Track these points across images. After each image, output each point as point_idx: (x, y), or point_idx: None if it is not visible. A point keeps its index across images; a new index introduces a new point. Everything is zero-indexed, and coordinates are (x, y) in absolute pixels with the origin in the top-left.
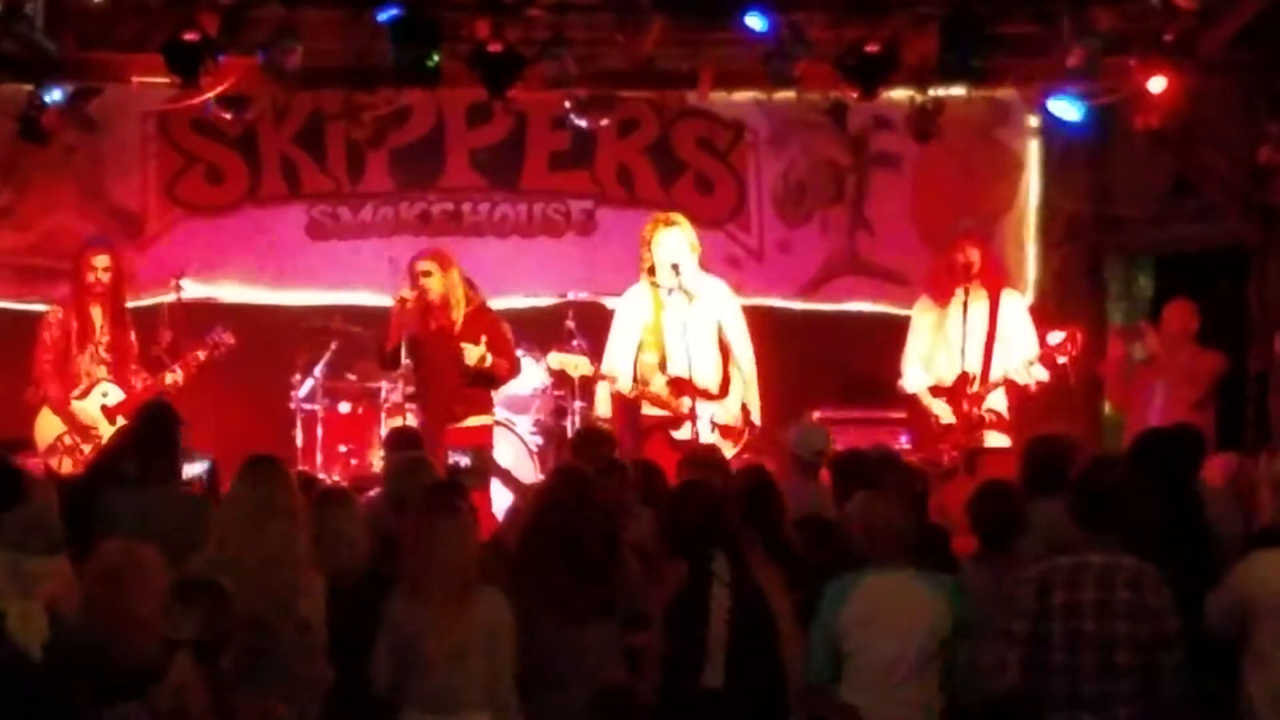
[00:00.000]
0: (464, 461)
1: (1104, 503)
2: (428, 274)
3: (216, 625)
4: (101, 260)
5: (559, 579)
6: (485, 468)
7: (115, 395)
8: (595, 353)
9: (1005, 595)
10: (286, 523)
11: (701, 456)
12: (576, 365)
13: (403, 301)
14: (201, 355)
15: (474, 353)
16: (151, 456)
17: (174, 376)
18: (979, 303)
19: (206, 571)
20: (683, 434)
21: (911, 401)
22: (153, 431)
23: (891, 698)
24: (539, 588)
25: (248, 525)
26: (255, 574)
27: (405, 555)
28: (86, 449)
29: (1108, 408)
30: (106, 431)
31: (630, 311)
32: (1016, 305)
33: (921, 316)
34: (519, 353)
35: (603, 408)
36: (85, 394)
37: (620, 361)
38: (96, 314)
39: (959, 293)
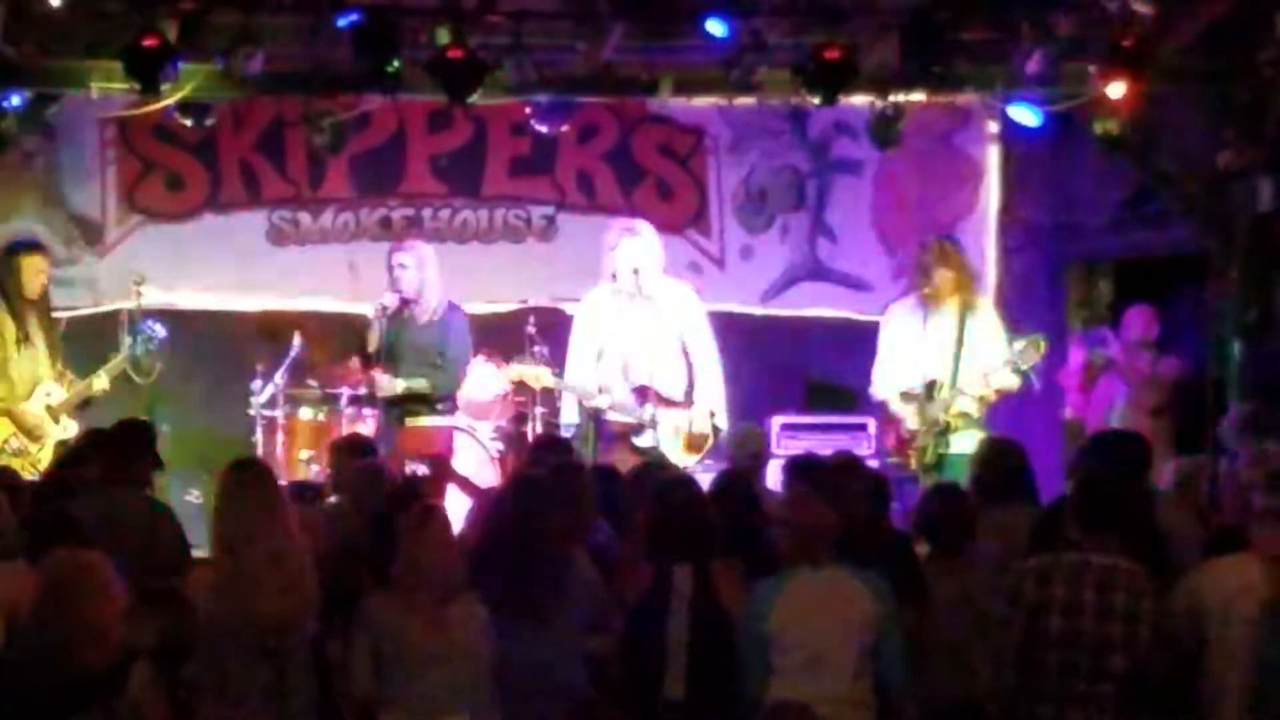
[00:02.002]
0: (421, 470)
1: (1108, 506)
2: (404, 266)
3: (177, 635)
4: (40, 262)
5: (511, 583)
6: (443, 475)
7: (59, 394)
8: (557, 359)
9: (1004, 587)
10: (286, 520)
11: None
12: (538, 376)
13: (383, 309)
14: (125, 350)
15: (392, 386)
16: (120, 462)
17: (101, 382)
18: (947, 310)
19: (219, 581)
20: (645, 441)
21: (882, 407)
22: (124, 438)
23: (825, 695)
24: (491, 592)
25: (253, 528)
26: (274, 576)
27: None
28: (35, 449)
29: (1068, 413)
30: (52, 431)
31: (591, 318)
32: (986, 312)
33: (893, 322)
34: (480, 358)
35: (569, 415)
36: (29, 394)
37: (582, 369)
38: (31, 316)
39: (925, 299)
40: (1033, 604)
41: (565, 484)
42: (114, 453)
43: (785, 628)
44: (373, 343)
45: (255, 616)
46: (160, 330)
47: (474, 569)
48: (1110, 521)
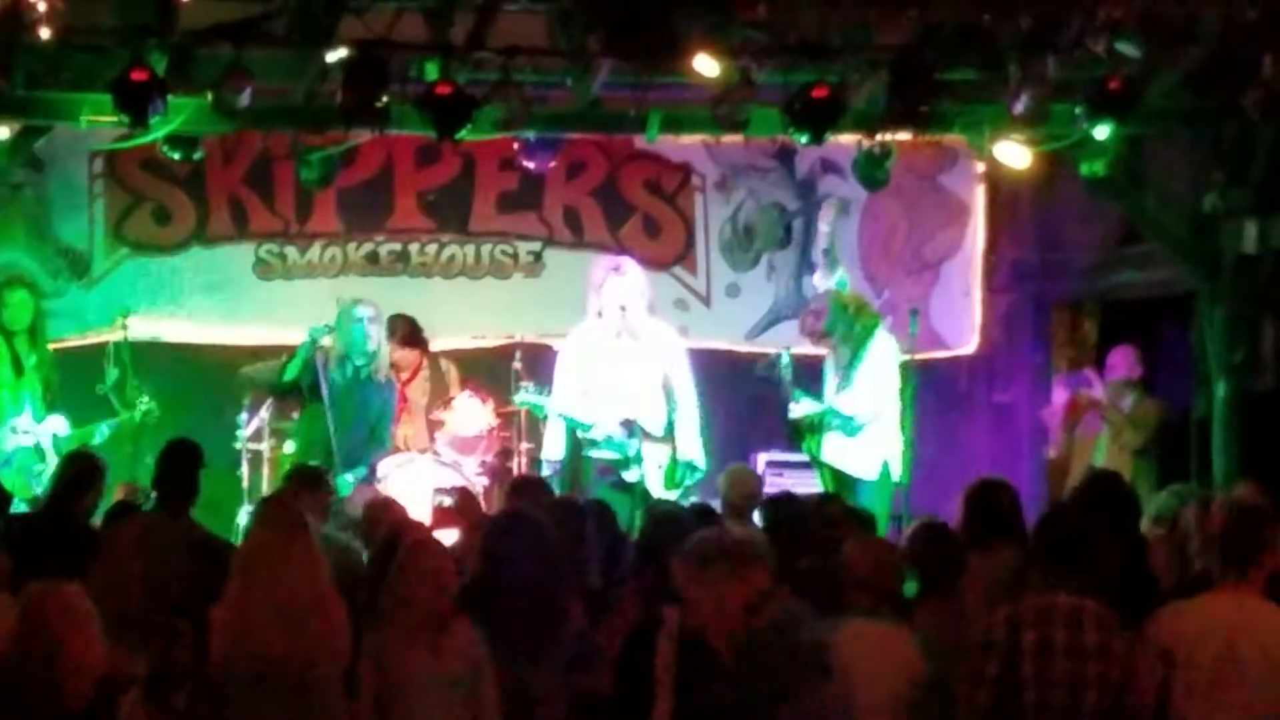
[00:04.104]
0: (446, 502)
1: (1068, 548)
2: (372, 320)
3: (170, 664)
4: (26, 296)
5: (498, 622)
6: (468, 509)
7: (63, 427)
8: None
9: (975, 638)
10: (310, 561)
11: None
12: (543, 404)
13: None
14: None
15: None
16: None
17: (102, 434)
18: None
19: (234, 615)
20: (630, 476)
21: None
22: (170, 463)
23: None
24: (492, 626)
25: (273, 566)
26: (290, 614)
27: (384, 591)
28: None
29: (1052, 452)
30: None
31: (576, 354)
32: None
33: None
34: (466, 393)
35: (552, 450)
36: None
37: (568, 404)
38: (22, 347)
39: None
40: (1006, 652)
41: (568, 523)
42: (164, 476)
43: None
44: (305, 378)
45: (250, 652)
46: (155, 409)
47: (474, 601)
48: (1073, 562)
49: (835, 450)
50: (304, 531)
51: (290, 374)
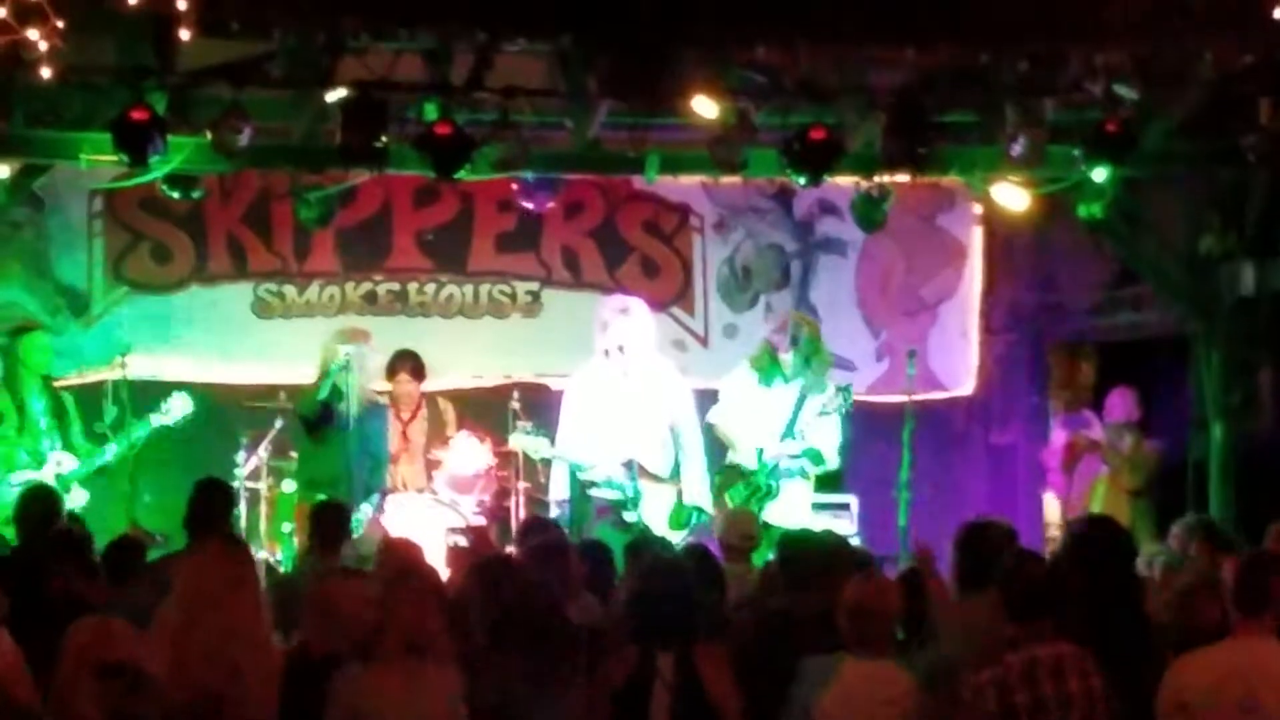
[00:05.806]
0: (461, 542)
1: (1034, 594)
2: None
3: (130, 709)
4: (42, 340)
5: (525, 662)
6: (482, 549)
7: (69, 463)
8: (542, 434)
9: (965, 698)
10: (251, 601)
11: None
12: (537, 449)
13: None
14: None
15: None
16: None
17: (111, 454)
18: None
19: (173, 647)
20: (632, 516)
21: None
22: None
23: None
24: (509, 671)
25: (215, 602)
26: (225, 651)
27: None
28: None
29: (1057, 496)
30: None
31: (581, 393)
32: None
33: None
34: (464, 433)
35: (557, 490)
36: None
37: (572, 443)
38: (32, 391)
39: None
40: (998, 716)
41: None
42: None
43: (832, 715)
44: (336, 398)
45: (185, 684)
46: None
47: (486, 653)
48: (1040, 608)
49: (787, 507)
50: (250, 571)
51: (323, 392)
